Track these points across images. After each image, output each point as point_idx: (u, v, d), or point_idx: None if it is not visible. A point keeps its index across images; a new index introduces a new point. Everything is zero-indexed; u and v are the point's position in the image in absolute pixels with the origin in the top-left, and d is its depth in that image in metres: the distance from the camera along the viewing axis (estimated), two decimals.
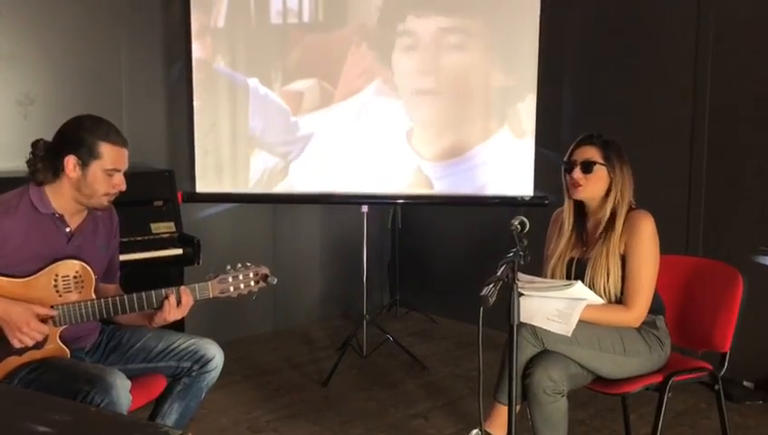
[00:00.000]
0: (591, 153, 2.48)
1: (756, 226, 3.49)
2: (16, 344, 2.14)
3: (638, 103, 3.85)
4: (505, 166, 3.73)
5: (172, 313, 2.25)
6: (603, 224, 2.49)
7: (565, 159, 2.54)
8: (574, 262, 2.54)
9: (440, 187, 3.78)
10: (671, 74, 3.75)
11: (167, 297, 2.24)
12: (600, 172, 2.47)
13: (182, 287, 2.26)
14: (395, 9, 3.72)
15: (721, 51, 3.58)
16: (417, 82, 3.75)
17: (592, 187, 2.48)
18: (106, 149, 2.21)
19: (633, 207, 2.50)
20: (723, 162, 3.61)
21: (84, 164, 2.19)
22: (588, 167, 2.47)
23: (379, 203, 4.25)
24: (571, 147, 2.55)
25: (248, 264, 2.30)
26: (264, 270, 2.31)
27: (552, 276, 2.55)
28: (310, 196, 3.87)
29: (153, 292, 2.25)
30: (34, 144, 2.24)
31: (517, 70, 3.70)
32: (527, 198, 3.70)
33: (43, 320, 2.17)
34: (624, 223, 2.46)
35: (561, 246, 2.56)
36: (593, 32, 4.06)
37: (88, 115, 2.26)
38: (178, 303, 2.25)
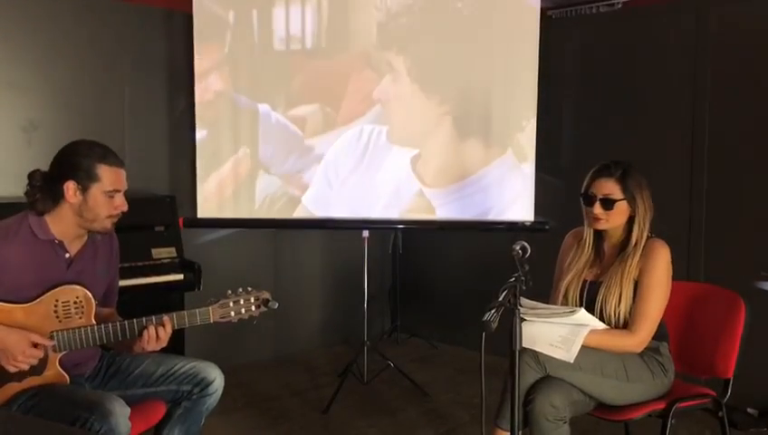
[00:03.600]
0: (611, 188, 2.45)
1: (757, 251, 3.49)
2: (12, 370, 2.13)
3: (637, 129, 3.87)
4: (506, 191, 3.74)
5: (150, 344, 2.22)
6: (621, 249, 2.49)
7: (583, 190, 2.51)
8: (587, 284, 2.53)
9: (441, 212, 3.79)
10: (671, 98, 3.78)
11: (146, 327, 2.22)
12: (621, 207, 2.46)
13: (164, 317, 2.23)
14: (394, 36, 3.76)
15: (720, 74, 3.61)
16: (420, 108, 3.78)
17: (614, 220, 2.47)
18: (104, 170, 2.22)
19: (650, 235, 2.49)
20: (723, 188, 3.62)
21: (84, 188, 2.20)
22: (609, 204, 2.45)
23: (380, 228, 4.25)
24: (589, 178, 2.51)
25: (249, 288, 2.30)
26: (265, 294, 2.30)
27: (566, 295, 2.55)
28: (311, 221, 3.88)
29: (153, 317, 2.24)
30: (30, 175, 2.24)
31: (517, 96, 3.73)
32: (528, 224, 3.71)
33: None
34: (642, 249, 2.46)
35: (578, 266, 2.55)
36: (593, 57, 4.09)
37: (81, 140, 2.27)
38: (158, 335, 2.22)
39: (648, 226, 2.47)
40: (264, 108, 3.80)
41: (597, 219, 2.48)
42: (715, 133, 3.63)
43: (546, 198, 3.74)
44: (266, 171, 3.83)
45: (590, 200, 2.48)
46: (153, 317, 2.23)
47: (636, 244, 2.46)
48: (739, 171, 3.57)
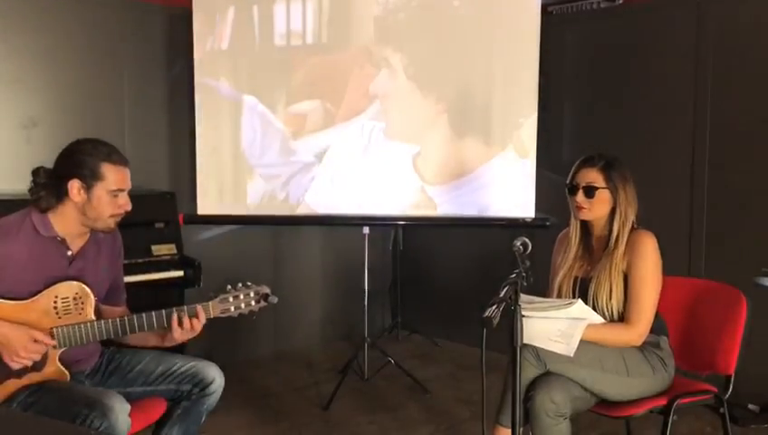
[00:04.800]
0: (593, 177, 2.49)
1: (759, 247, 3.48)
2: (15, 367, 2.13)
3: (638, 124, 3.86)
4: (507, 188, 3.73)
5: (176, 334, 2.22)
6: (607, 242, 2.50)
7: (568, 181, 2.55)
8: (578, 280, 2.54)
9: (442, 208, 3.78)
10: (671, 95, 3.77)
11: (172, 318, 2.21)
12: (603, 195, 2.48)
13: (198, 307, 2.22)
14: (391, 32, 3.75)
15: (721, 72, 3.60)
16: (418, 105, 3.77)
17: (596, 209, 2.50)
18: (109, 170, 2.21)
19: (635, 226, 2.50)
20: (725, 183, 3.61)
21: (88, 187, 2.19)
22: (590, 192, 2.48)
23: (381, 225, 4.25)
24: (573, 168, 2.55)
25: (248, 283, 2.29)
26: (265, 289, 2.30)
27: (559, 293, 2.56)
28: (311, 217, 3.87)
29: (153, 313, 2.23)
30: (35, 172, 2.23)
31: (517, 93, 3.72)
32: (529, 220, 3.70)
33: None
34: (627, 242, 2.47)
35: (567, 263, 2.57)
36: (593, 53, 4.08)
37: (86, 138, 2.27)
38: (181, 322, 2.22)
39: (630, 218, 2.48)
40: (264, 104, 3.79)
41: (580, 208, 2.50)
42: (717, 129, 3.62)
43: (547, 194, 3.73)
44: (266, 167, 3.81)
45: (573, 190, 2.51)
46: (153, 312, 2.23)
47: (618, 236, 2.47)
48: (740, 168, 3.56)
